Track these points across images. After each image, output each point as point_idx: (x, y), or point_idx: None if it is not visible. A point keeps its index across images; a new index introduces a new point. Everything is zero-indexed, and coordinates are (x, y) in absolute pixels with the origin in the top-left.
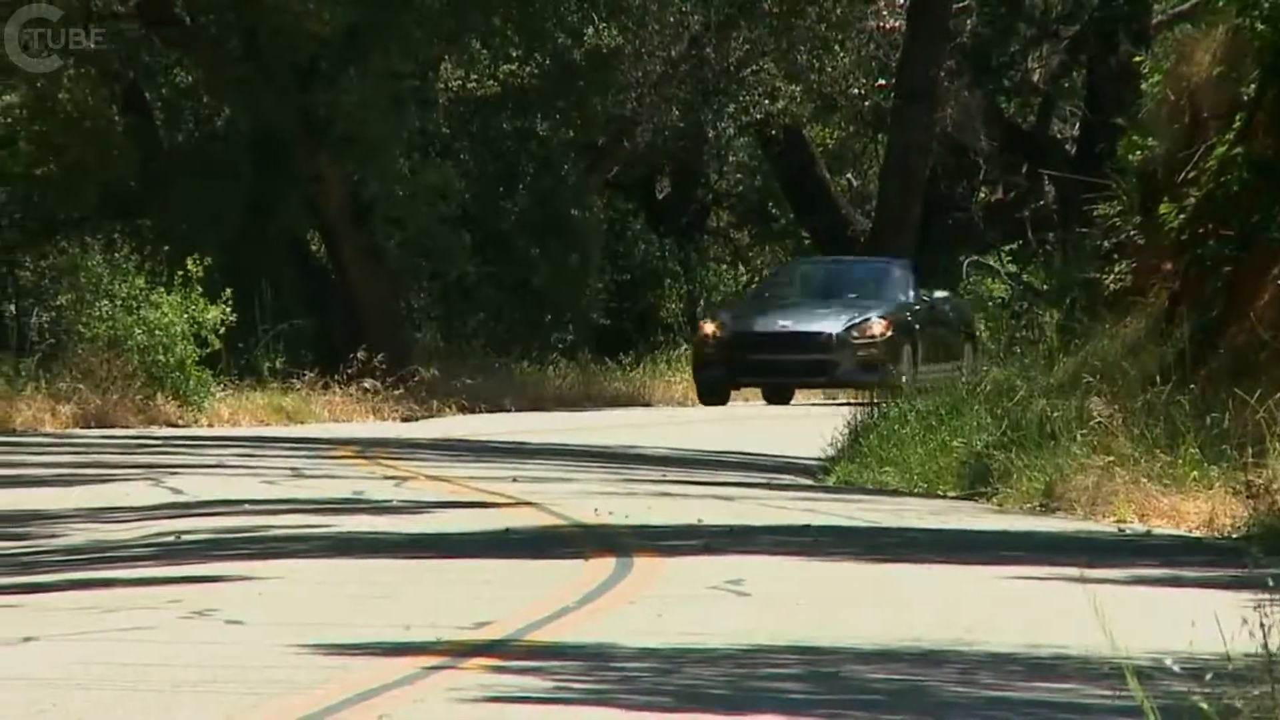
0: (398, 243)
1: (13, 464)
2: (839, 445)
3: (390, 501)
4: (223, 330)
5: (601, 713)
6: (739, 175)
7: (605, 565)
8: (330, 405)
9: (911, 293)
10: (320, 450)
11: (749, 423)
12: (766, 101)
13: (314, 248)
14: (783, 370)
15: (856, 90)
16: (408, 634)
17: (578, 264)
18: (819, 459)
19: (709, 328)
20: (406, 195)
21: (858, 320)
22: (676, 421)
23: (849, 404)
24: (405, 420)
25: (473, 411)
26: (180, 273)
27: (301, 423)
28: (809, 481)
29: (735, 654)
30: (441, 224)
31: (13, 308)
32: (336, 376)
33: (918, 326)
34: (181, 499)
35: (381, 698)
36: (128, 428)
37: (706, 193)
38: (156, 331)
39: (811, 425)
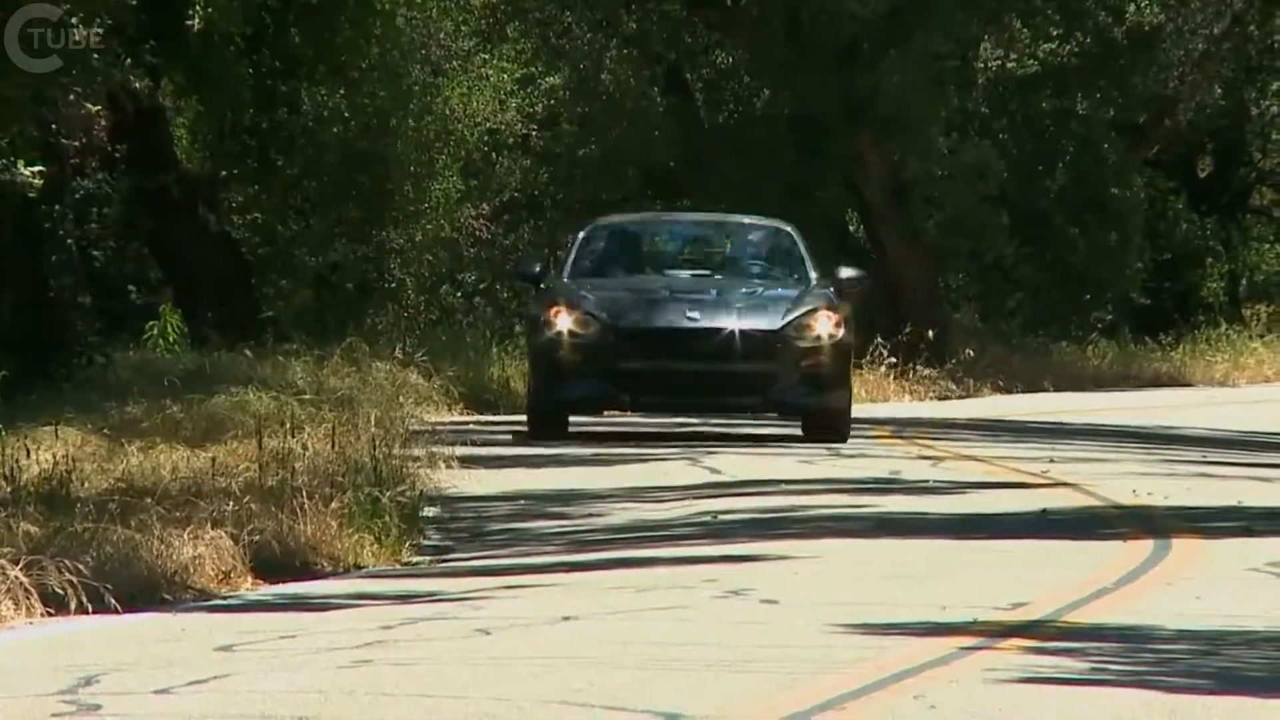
0: (936, 222)
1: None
2: None
3: (927, 482)
4: None
5: (1139, 694)
6: None
7: (1143, 547)
8: (866, 385)
9: (813, 270)
10: (856, 430)
11: None
12: None
13: (851, 228)
14: (692, 388)
15: None
16: (943, 614)
17: (1117, 243)
18: None
19: (565, 320)
20: (945, 175)
21: (799, 314)
22: (1217, 402)
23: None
24: (941, 399)
25: (1009, 391)
26: None
27: None
28: None
29: (1276, 637)
30: (980, 203)
31: None
32: (877, 354)
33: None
34: (719, 479)
35: (916, 678)
36: None
37: (1250, 171)
38: None
39: None
